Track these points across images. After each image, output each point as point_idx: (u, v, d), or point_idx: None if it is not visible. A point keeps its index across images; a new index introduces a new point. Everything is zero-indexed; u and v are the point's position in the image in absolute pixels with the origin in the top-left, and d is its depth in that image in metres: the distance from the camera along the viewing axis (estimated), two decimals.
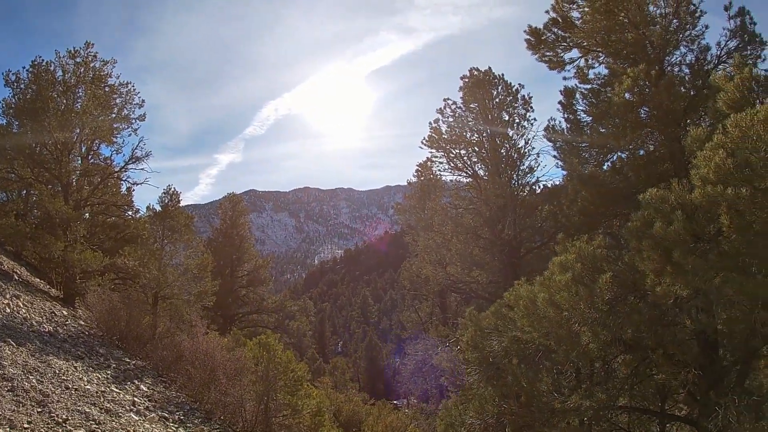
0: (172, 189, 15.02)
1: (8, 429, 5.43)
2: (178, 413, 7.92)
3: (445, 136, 15.36)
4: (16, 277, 12.48)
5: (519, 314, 5.52)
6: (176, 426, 7.29)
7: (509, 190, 14.46)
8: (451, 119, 15.31)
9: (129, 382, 8.56)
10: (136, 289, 14.10)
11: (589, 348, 4.85)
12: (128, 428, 6.40)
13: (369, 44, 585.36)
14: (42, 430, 5.72)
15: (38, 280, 14.44)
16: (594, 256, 5.06)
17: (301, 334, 39.06)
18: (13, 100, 15.55)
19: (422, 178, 19.70)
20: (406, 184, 22.19)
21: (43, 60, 15.07)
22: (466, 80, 15.20)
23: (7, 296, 10.11)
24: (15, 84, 15.30)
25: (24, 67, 14.96)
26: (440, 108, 15.34)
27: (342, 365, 33.71)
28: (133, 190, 18.52)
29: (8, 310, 9.53)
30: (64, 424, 5.94)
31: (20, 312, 9.79)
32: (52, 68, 15.08)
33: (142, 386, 8.62)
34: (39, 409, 6.14)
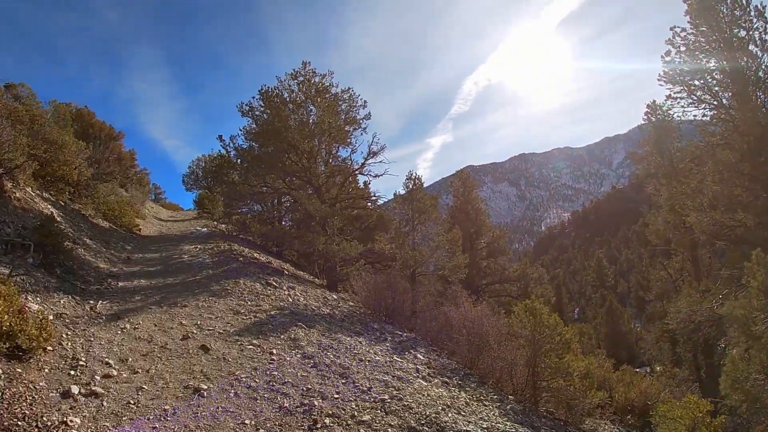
0: (414, 174, 17.39)
1: (320, 400, 6.51)
2: (455, 378, 9.04)
3: (682, 68, 14.97)
4: (286, 272, 15.12)
5: None
6: (457, 390, 8.27)
7: (766, 117, 13.60)
8: (683, 48, 14.83)
9: (406, 352, 10.09)
10: (394, 269, 16.09)
11: None
12: (422, 392, 7.50)
13: None
14: (350, 397, 6.76)
15: (301, 272, 17.18)
16: None
17: (546, 301, 38.83)
18: (253, 126, 18.98)
19: (654, 120, 19.28)
20: (626, 132, 20.01)
21: (268, 87, 18.01)
22: (690, 1, 14.57)
23: (285, 288, 12.21)
24: (250, 113, 18.72)
25: (254, 97, 18.24)
26: (669, 38, 15.05)
27: (588, 331, 33.94)
28: (369, 183, 20.68)
29: (291, 299, 11.46)
30: (369, 392, 6.97)
31: (300, 300, 11.70)
32: (277, 92, 17.90)
33: (418, 355, 10.02)
34: (343, 381, 7.29)
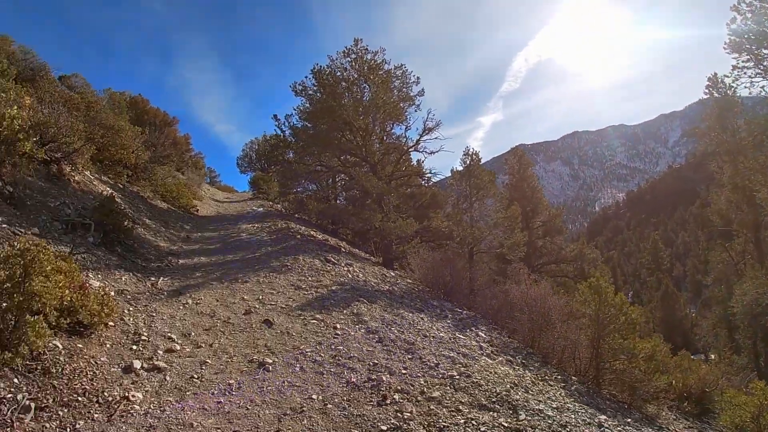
0: (472, 150, 16.77)
1: (388, 375, 6.32)
2: (518, 357, 8.66)
3: (749, 36, 14.03)
4: (343, 250, 14.84)
5: None
6: (521, 369, 7.87)
7: None
8: (749, 14, 13.81)
9: (468, 330, 9.78)
10: (452, 246, 15.65)
11: None
12: (488, 370, 7.09)
13: None
14: (418, 373, 6.51)
15: (357, 250, 16.93)
16: None
17: None
18: (307, 106, 18.72)
19: (716, 94, 18.54)
20: (682, 109, 18.81)
21: (320, 66, 17.90)
22: None
23: (343, 264, 11.91)
24: (303, 92, 18.43)
25: (306, 77, 18.02)
26: (734, 5, 14.09)
27: (645, 314, 31.45)
28: (422, 161, 20.25)
29: (350, 276, 11.11)
30: (436, 368, 6.70)
31: (359, 276, 11.34)
32: (330, 70, 17.63)
33: (480, 333, 9.68)
34: (409, 356, 7.08)
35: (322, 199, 22.68)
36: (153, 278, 9.18)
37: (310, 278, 10.58)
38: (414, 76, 18.41)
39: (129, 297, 7.82)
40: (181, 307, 7.92)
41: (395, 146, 19.43)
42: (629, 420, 7.30)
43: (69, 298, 5.46)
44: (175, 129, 27.81)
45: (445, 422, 5.23)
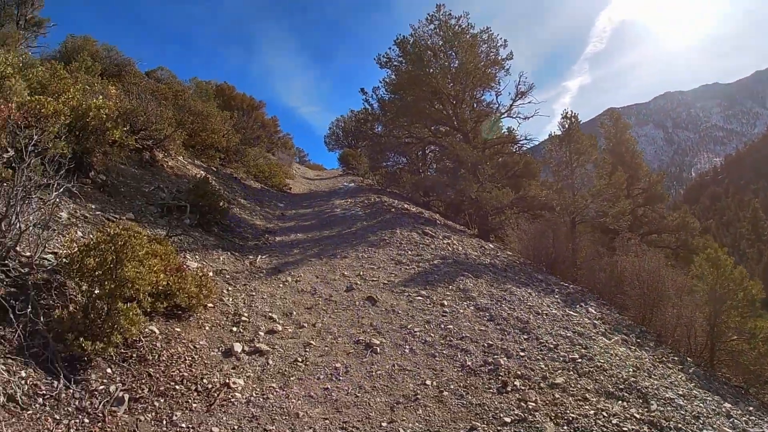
0: (570, 112, 15.50)
1: (505, 358, 5.71)
2: (632, 336, 7.76)
3: None
4: (439, 222, 14.08)
5: None
6: (638, 349, 6.98)
7: None
8: None
9: (577, 306, 8.74)
10: (550, 216, 14.60)
11: None
12: (609, 351, 6.24)
13: None
14: (537, 356, 5.86)
15: (451, 222, 16.13)
16: None
17: None
18: (393, 78, 18.03)
19: None
20: None
21: (403, 36, 17.20)
22: None
23: (441, 237, 11.18)
24: (388, 64, 17.71)
25: (390, 48, 17.29)
26: None
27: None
28: (513, 129, 19.05)
29: (450, 249, 10.47)
30: (556, 350, 6.01)
31: (459, 249, 10.68)
32: (414, 39, 16.84)
33: (590, 309, 8.67)
34: (525, 336, 6.41)
35: (413, 171, 22.02)
36: (251, 257, 9.00)
37: (409, 252, 9.94)
38: (501, 38, 17.31)
39: (227, 277, 7.62)
40: (281, 285, 7.60)
41: (486, 113, 18.27)
42: (751, 408, 6.29)
43: (165, 282, 5.19)
44: (263, 112, 28.37)
45: (573, 413, 4.50)
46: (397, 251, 9.95)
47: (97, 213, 7.38)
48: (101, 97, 8.28)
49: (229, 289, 7.11)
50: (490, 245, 13.51)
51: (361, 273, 8.42)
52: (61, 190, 4.98)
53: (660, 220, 23.36)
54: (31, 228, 4.56)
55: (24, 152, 4.65)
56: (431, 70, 16.94)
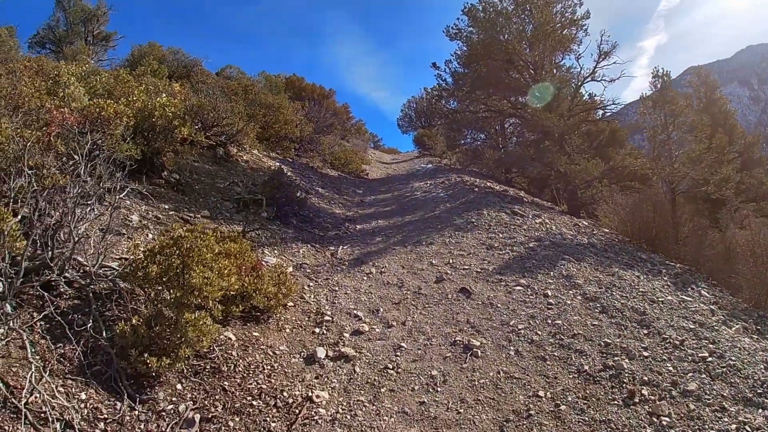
0: (662, 70, 13.89)
1: (627, 360, 4.90)
2: (750, 322, 6.50)
3: None
4: (525, 200, 13.06)
5: None
6: (759, 338, 5.76)
7: None
8: None
9: (688, 288, 7.56)
10: (643, 187, 13.15)
11: None
12: (736, 345, 5.19)
13: None
14: (662, 355, 4.99)
15: (538, 199, 15.00)
16: None
17: None
18: (464, 49, 16.97)
19: None
20: None
21: (471, 3, 16.34)
22: None
23: (530, 216, 10.23)
24: (458, 35, 16.67)
25: (458, 18, 16.29)
26: None
27: None
28: (593, 94, 17.40)
29: (544, 229, 9.61)
30: (682, 347, 5.11)
31: (552, 229, 9.69)
32: (484, 4, 15.86)
33: (703, 292, 7.47)
34: (645, 331, 5.56)
35: (493, 147, 20.80)
36: (332, 247, 8.51)
37: (500, 235, 9.04)
38: None
39: (308, 271, 7.15)
40: (365, 278, 7.02)
41: (567, 79, 16.63)
42: None
43: (238, 284, 4.72)
44: (334, 100, 28.21)
45: (711, 427, 3.70)
46: (487, 234, 9.09)
47: (171, 213, 7.12)
48: (165, 95, 8.02)
49: (311, 284, 6.62)
50: (584, 222, 12.27)
51: (451, 261, 7.66)
52: (124, 193, 4.61)
53: (759, 186, 20.66)
54: (93, 235, 4.20)
55: (81, 157, 4.30)
56: (505, 37, 15.70)
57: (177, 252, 3.90)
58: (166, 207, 7.28)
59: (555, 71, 16.77)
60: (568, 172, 14.24)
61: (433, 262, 7.63)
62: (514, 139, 21.58)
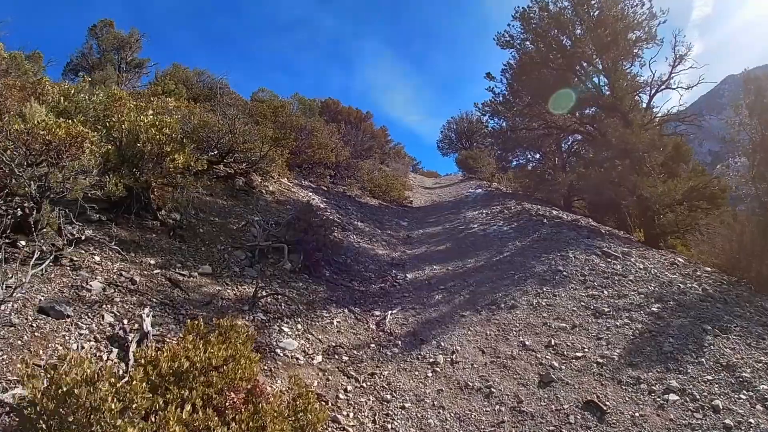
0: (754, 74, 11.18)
1: None
2: None
3: None
4: (604, 232, 10.41)
5: None
6: None
7: None
8: None
9: None
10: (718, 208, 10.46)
11: None
12: None
13: None
14: None
15: (610, 229, 12.43)
16: None
17: None
18: (516, 57, 14.79)
19: None
20: None
21: (523, 7, 14.11)
22: None
23: (623, 256, 7.58)
24: (509, 44, 14.42)
25: (509, 24, 13.96)
26: None
27: None
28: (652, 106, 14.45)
29: (651, 276, 7.04)
30: None
31: (656, 274, 7.22)
32: (541, 5, 13.48)
33: None
34: None
35: (552, 168, 18.08)
36: (377, 312, 6.18)
37: (605, 291, 6.48)
38: None
39: (345, 359, 4.82)
40: (430, 374, 4.63)
41: (639, 86, 13.85)
42: None
43: None
44: (371, 123, 26.30)
45: None
46: (585, 290, 6.55)
47: (156, 271, 4.94)
48: (151, 112, 5.93)
49: (349, 389, 4.26)
50: (680, 260, 9.46)
51: (551, 340, 5.15)
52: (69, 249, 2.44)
53: None
54: None
55: None
56: (563, 43, 13.25)
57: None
58: (152, 262, 5.11)
59: (626, 79, 14.10)
60: (652, 195, 11.57)
61: (526, 342, 5.13)
62: (573, 160, 18.80)
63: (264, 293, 5.38)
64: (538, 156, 18.98)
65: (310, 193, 11.76)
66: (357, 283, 7.24)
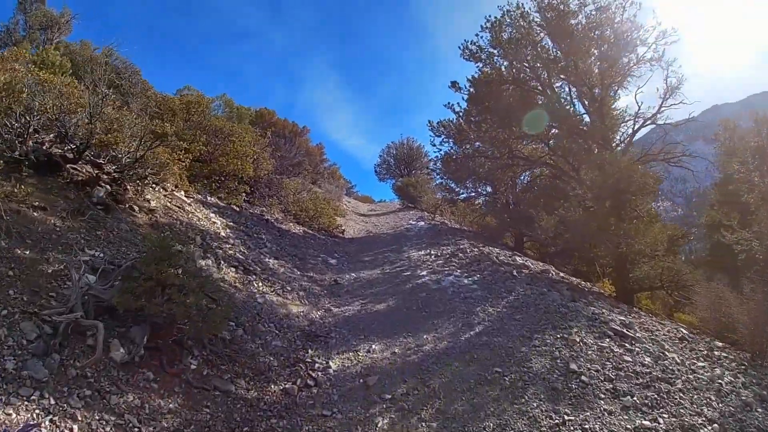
0: (732, 123, 9.77)
1: None
2: None
3: None
4: (575, 285, 7.90)
5: None
6: None
7: None
8: None
9: None
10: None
11: None
12: None
13: None
14: None
15: (580, 281, 10.06)
16: None
17: None
18: (486, 72, 12.39)
19: None
20: None
21: (494, 17, 11.95)
22: None
23: (639, 335, 5.59)
24: (476, 56, 12.12)
25: (477, 35, 11.93)
26: None
27: None
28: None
29: (684, 371, 5.04)
30: None
31: (677, 362, 4.61)
32: (513, 15, 11.25)
33: None
34: None
35: (506, 205, 15.74)
36: None
37: (659, 416, 3.84)
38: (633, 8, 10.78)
39: None
40: None
41: (622, 119, 11.69)
42: None
43: None
44: (307, 138, 23.22)
45: None
46: (626, 411, 3.89)
47: None
48: None
49: None
50: (683, 330, 7.18)
51: None
52: None
53: None
54: None
55: None
56: (537, 59, 10.95)
57: None
58: None
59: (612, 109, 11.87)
60: (629, 246, 9.29)
61: None
62: (527, 196, 16.49)
63: None
64: (489, 189, 16.61)
65: (212, 215, 8.52)
66: (245, 381, 4.15)
